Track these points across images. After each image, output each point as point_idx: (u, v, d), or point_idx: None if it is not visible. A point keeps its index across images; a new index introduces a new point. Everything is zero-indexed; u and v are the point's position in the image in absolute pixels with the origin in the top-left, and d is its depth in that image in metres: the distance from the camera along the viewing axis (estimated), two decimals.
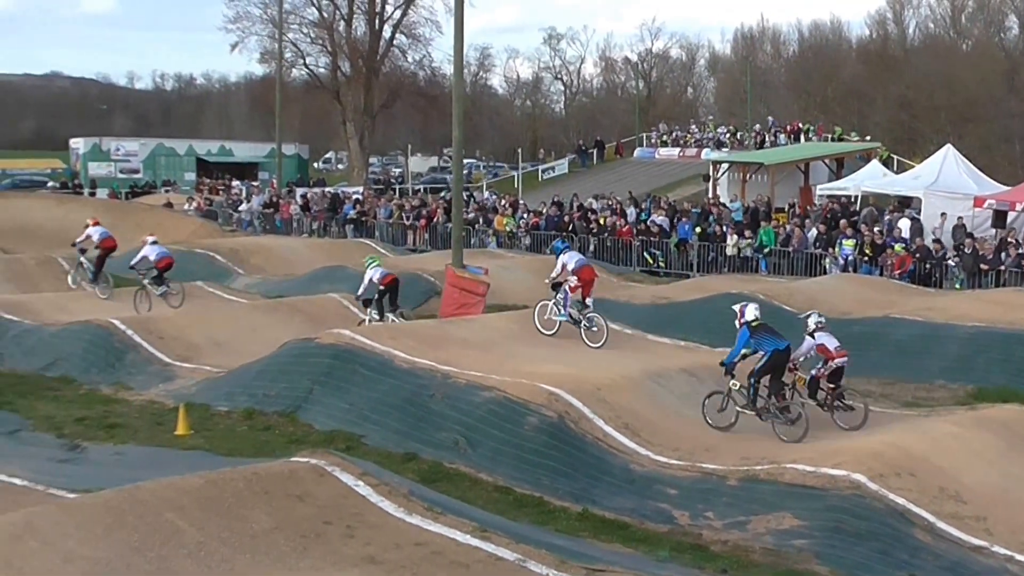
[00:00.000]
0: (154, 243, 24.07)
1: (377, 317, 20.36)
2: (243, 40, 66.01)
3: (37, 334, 20.52)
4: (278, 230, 44.02)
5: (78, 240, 25.77)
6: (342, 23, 66.46)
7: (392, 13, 66.16)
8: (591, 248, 33.57)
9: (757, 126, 64.76)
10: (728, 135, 65.52)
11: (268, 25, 64.67)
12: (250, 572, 8.85)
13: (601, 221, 35.37)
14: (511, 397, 14.57)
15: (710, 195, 44.22)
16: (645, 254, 33.11)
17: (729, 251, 32.07)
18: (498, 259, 31.37)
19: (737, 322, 14.76)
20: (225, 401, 16.76)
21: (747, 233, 32.35)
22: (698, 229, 32.88)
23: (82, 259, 25.45)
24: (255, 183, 60.79)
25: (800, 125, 63.37)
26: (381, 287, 20.54)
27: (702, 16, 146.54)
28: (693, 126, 72.61)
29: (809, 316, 15.37)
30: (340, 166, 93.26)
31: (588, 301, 18.62)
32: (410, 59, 67.92)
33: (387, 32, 66.58)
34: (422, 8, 66.61)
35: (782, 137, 61.16)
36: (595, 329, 18.35)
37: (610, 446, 13.70)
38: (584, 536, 11.66)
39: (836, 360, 14.85)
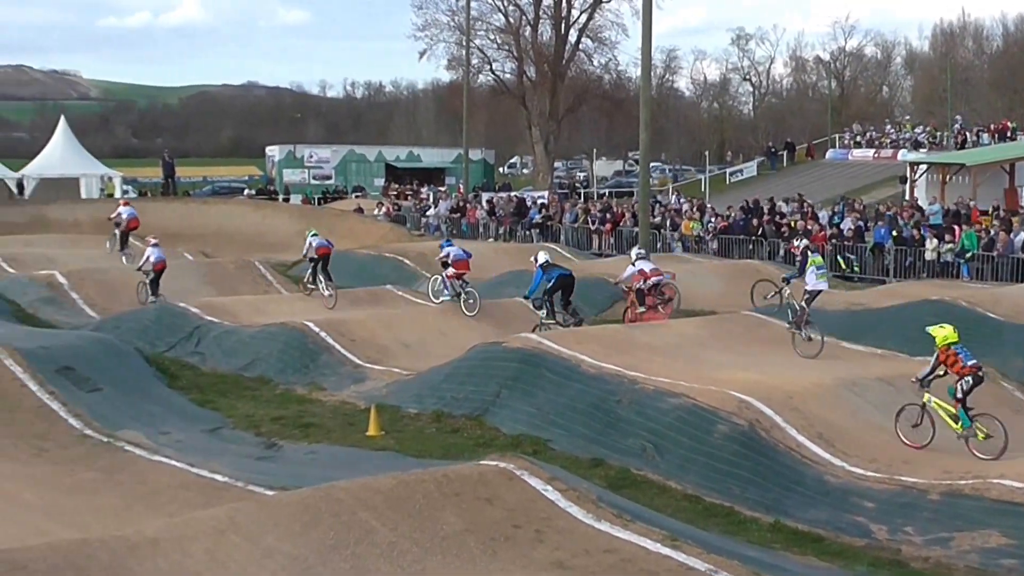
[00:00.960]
0: (155, 246, 25.58)
1: (311, 284, 25.10)
2: (431, 47, 67.15)
3: (236, 335, 21.23)
4: (464, 234, 44.57)
5: (112, 215, 33.61)
6: (528, 28, 66.97)
7: (578, 17, 66.39)
8: (780, 253, 32.89)
9: (957, 125, 62.52)
10: (926, 135, 63.45)
11: (455, 32, 65.65)
12: (441, 573, 8.95)
13: (792, 224, 34.66)
14: (700, 404, 14.39)
15: (907, 197, 42.92)
16: (838, 259, 32.25)
17: (928, 256, 31.00)
18: (685, 264, 31.07)
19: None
20: (414, 403, 17.02)
21: (947, 237, 31.24)
22: (894, 233, 31.91)
23: (116, 232, 32.62)
24: (442, 188, 61.71)
25: (1009, 124, 60.77)
26: (316, 255, 25.11)
27: (898, 12, 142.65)
28: (889, 126, 70.53)
29: (632, 249, 22.56)
30: (525, 171, 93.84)
31: (465, 280, 23.69)
32: (596, 63, 68.05)
33: (573, 36, 66.84)
34: (608, 12, 66.57)
35: (985, 136, 58.87)
36: (471, 301, 23.11)
37: (803, 456, 13.39)
38: (776, 548, 11.42)
39: (652, 279, 21.47)
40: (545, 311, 21.23)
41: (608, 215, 39.85)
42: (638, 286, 21.90)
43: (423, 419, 16.37)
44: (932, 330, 14.02)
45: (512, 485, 10.28)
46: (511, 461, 10.75)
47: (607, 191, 65.95)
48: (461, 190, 55.57)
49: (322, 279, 25.09)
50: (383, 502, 9.69)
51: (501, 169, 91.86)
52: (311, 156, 74.16)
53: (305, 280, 25.73)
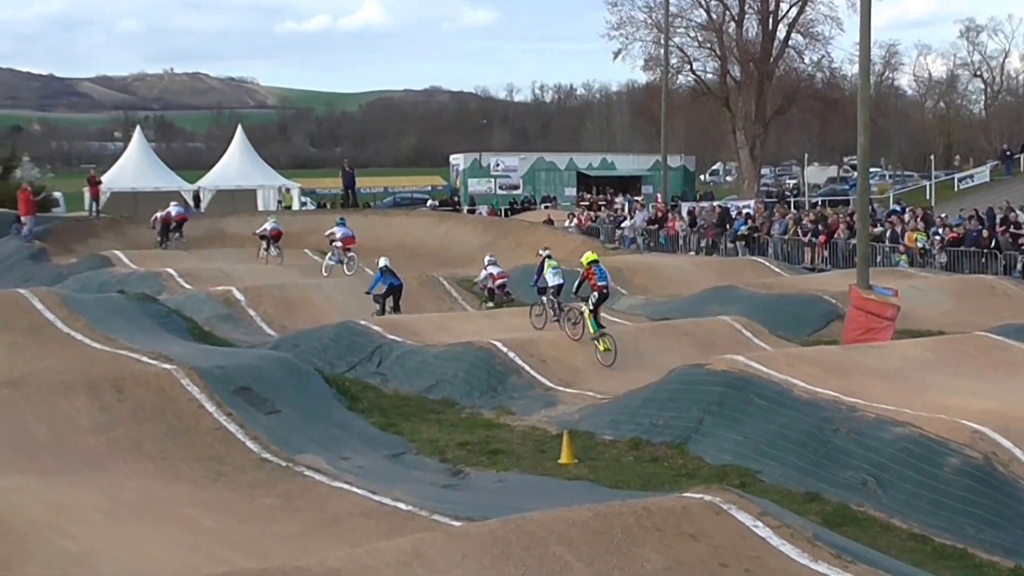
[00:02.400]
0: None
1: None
2: (626, 47, 67.06)
3: (420, 355, 21.55)
4: (663, 247, 44.37)
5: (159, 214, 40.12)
6: (732, 24, 66.28)
7: (787, 11, 65.38)
8: (1018, 267, 31.70)
9: None
10: None
11: (653, 30, 65.41)
12: None
13: None
14: (928, 434, 13.95)
15: None
16: None
17: None
18: (909, 279, 30.28)
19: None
20: (610, 429, 16.97)
21: None
22: None
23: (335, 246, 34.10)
24: (638, 198, 61.59)
25: None
26: (270, 236, 35.47)
27: None
28: None
29: (486, 257, 30.71)
30: (729, 178, 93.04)
31: (349, 251, 32.58)
32: (807, 60, 66.87)
33: (781, 32, 65.84)
34: (820, 4, 65.33)
35: None
36: (352, 264, 32.33)
37: None
38: None
39: (499, 280, 29.62)
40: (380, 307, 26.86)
41: (821, 226, 39.13)
42: (489, 285, 29.68)
43: (619, 447, 16.31)
44: (585, 257, 22.80)
45: (719, 520, 10.13)
46: (717, 494, 10.60)
47: (820, 200, 64.83)
48: (659, 200, 55.32)
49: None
50: (578, 536, 9.66)
51: (702, 177, 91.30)
52: (497, 164, 74.98)
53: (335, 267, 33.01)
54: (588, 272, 22.02)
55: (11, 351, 18.35)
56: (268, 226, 36.49)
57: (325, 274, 32.52)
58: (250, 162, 65.55)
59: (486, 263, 30.42)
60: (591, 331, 21.62)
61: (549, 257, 25.59)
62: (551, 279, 24.41)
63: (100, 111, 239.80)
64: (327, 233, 34.03)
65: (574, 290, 22.40)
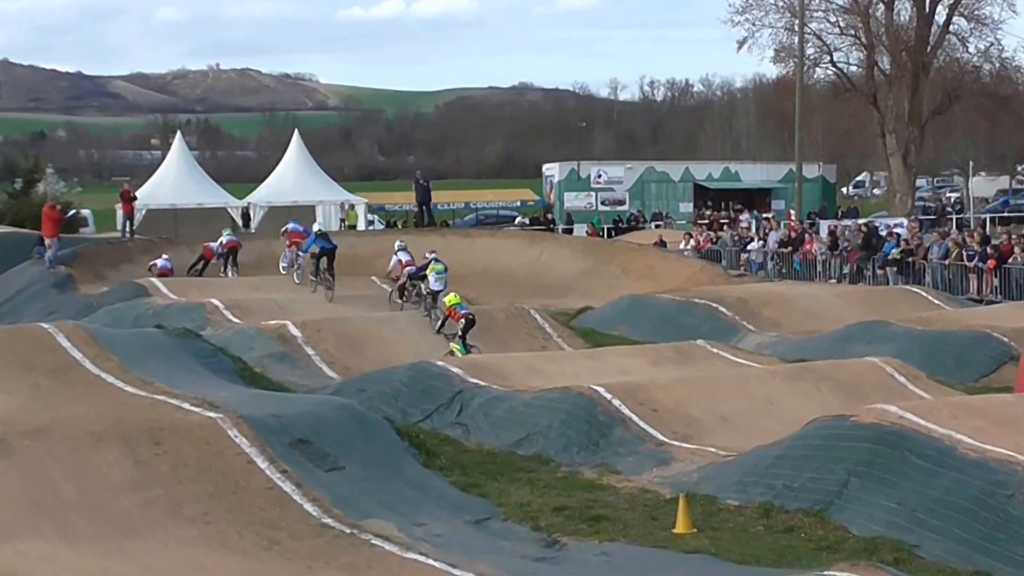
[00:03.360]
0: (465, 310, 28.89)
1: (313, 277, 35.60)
2: (753, 35, 66.99)
3: (508, 402, 21.55)
4: (797, 274, 44.08)
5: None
6: (881, 7, 65.96)
7: None
8: None
9: None
10: None
11: (785, 15, 65.41)
12: None
13: None
14: None
15: None
16: None
17: None
18: None
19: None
20: (735, 493, 16.84)
21: None
22: None
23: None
24: (767, 215, 61.38)
25: None
26: (225, 250, 39.91)
27: None
28: None
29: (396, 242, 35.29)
30: (876, 191, 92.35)
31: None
32: (972, 49, 66.37)
33: (941, 15, 65.44)
34: None
35: None
36: (301, 264, 37.03)
37: None
38: None
39: (406, 269, 33.08)
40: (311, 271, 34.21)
41: (990, 248, 38.64)
42: (403, 276, 33.10)
43: (747, 513, 16.18)
44: (447, 299, 28.81)
45: None
46: (866, 571, 10.51)
47: (988, 217, 64.05)
48: (792, 217, 55.04)
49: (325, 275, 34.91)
50: None
51: (844, 190, 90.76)
52: (599, 175, 75.14)
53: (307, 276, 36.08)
54: (451, 311, 28.19)
55: (33, 396, 18.66)
56: (224, 239, 40.29)
57: (283, 272, 38.95)
58: (308, 173, 66.22)
59: (396, 249, 34.57)
60: (460, 355, 26.63)
61: (437, 260, 31.81)
62: (433, 283, 30.99)
63: (135, 114, 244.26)
64: (284, 231, 39.95)
65: (436, 329, 28.99)
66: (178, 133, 78.43)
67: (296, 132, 70.57)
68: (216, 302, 32.59)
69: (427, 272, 31.29)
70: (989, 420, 16.88)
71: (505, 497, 17.22)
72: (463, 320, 27.87)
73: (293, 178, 65.40)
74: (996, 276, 37.57)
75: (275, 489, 15.76)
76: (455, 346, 27.73)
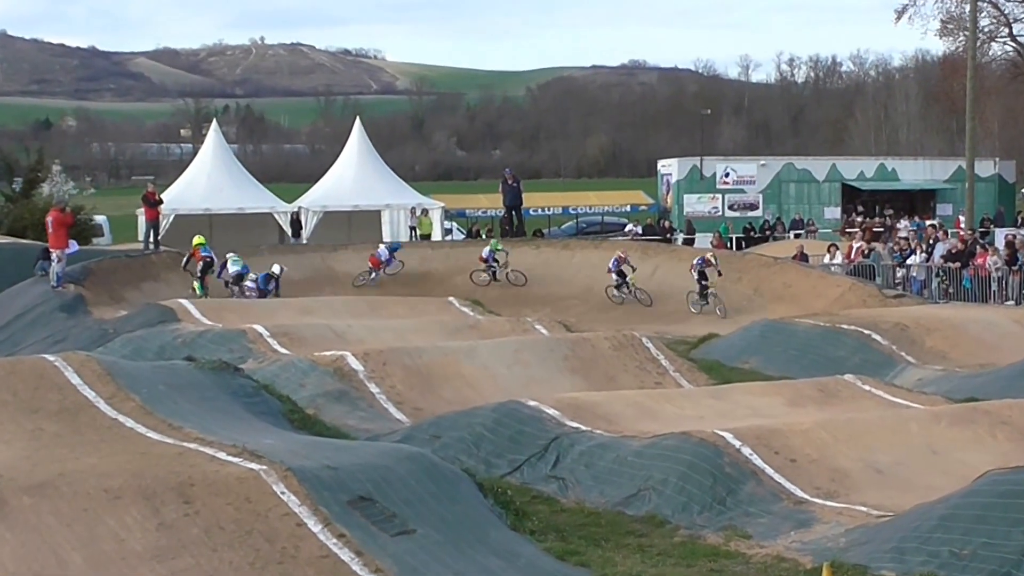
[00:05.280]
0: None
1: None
2: (915, 3, 66.61)
3: (614, 451, 21.51)
4: (968, 294, 43.73)
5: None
6: None
7: None
8: None
9: None
10: None
11: None
12: None
13: None
14: None
15: None
16: None
17: None
18: None
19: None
20: (891, 562, 16.73)
21: None
22: None
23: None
24: (931, 221, 60.92)
25: None
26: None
27: None
28: None
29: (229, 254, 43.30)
30: None
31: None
32: None
33: None
34: None
35: None
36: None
37: None
38: None
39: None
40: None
41: None
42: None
43: None
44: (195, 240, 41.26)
45: None
46: None
47: None
48: (961, 224, 54.62)
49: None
50: None
51: None
52: (727, 174, 75.08)
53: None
54: (195, 252, 41.95)
55: (36, 443, 18.78)
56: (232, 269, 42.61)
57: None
58: (372, 171, 66.61)
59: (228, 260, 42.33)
60: (197, 293, 39.54)
61: (234, 252, 42.69)
62: (231, 267, 41.97)
63: (161, 99, 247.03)
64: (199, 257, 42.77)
65: (183, 264, 42.73)
66: (213, 123, 78.74)
67: (357, 121, 70.88)
68: (260, 329, 32.81)
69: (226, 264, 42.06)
70: None
71: (611, 567, 17.19)
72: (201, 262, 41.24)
73: (353, 177, 65.78)
74: None
75: (330, 558, 15.76)
76: (195, 286, 39.93)
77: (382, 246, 46.48)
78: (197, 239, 42.93)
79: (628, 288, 42.63)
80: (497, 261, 44.37)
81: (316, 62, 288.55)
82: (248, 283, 41.42)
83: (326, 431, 23.79)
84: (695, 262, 41.35)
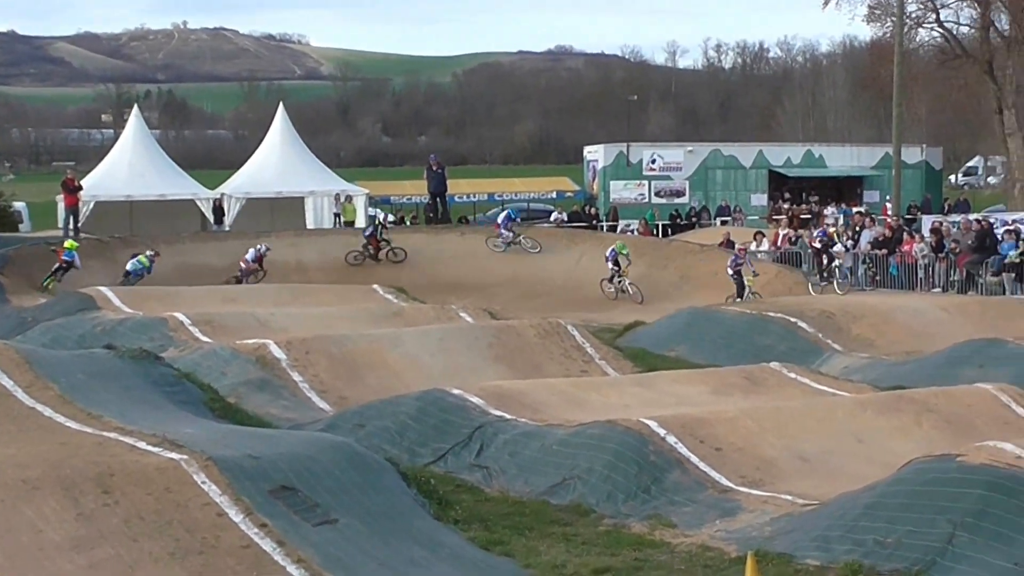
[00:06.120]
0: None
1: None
2: None
3: (539, 440, 21.49)
4: (894, 282, 43.99)
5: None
6: None
7: None
8: None
9: None
10: None
11: None
12: None
13: None
14: None
15: None
16: None
17: None
18: None
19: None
20: (816, 550, 16.79)
21: None
22: None
23: None
24: (858, 208, 61.25)
25: None
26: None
27: None
28: None
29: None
30: (992, 179, 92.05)
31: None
32: None
33: None
34: None
35: None
36: None
37: None
38: None
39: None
40: None
41: None
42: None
43: (832, 575, 16.17)
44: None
45: None
46: None
47: None
48: (889, 211, 54.94)
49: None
50: None
51: (953, 178, 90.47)
52: (654, 160, 75.22)
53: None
54: (59, 251, 41.90)
55: None
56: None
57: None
58: (296, 157, 66.37)
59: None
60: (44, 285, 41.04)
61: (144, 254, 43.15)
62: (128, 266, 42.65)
63: (82, 84, 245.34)
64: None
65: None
66: (135, 107, 78.40)
67: (281, 106, 70.61)
68: (181, 317, 32.61)
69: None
70: None
71: (535, 557, 17.19)
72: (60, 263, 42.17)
73: (277, 163, 65.51)
74: None
75: (252, 548, 15.68)
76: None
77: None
78: (68, 243, 43.42)
79: (621, 281, 42.48)
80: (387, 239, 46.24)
81: (239, 47, 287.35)
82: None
83: (248, 420, 23.69)
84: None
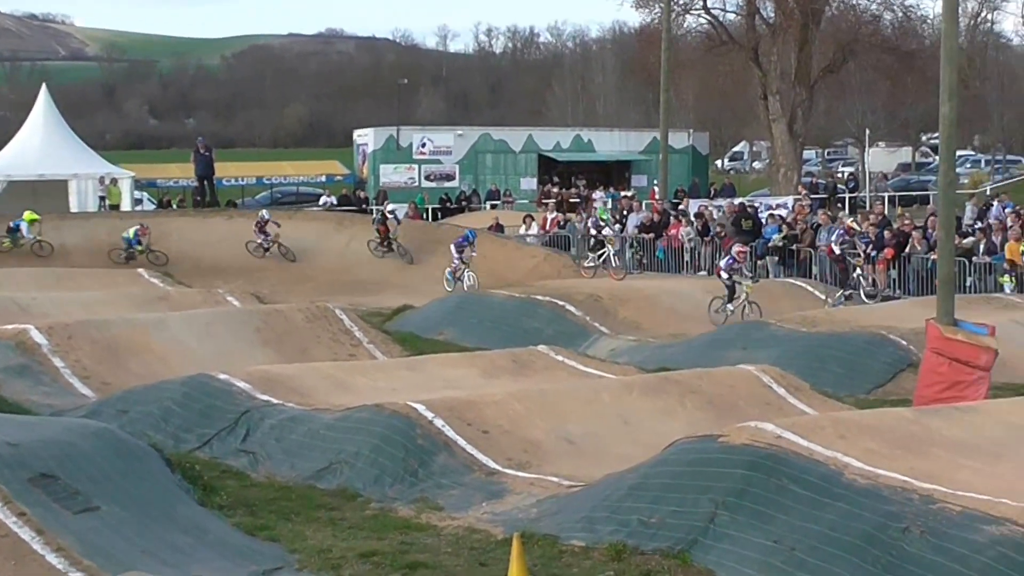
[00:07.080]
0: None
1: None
2: None
3: (305, 424, 21.48)
4: (661, 265, 44.50)
5: None
6: None
7: None
8: None
9: None
10: None
11: None
12: None
13: None
14: None
15: None
16: None
17: None
18: (1012, 311, 30.51)
19: None
20: (581, 531, 16.97)
21: None
22: None
23: None
24: (626, 193, 61.85)
25: None
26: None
27: None
28: None
29: None
30: (757, 164, 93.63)
31: None
32: None
33: None
34: None
35: None
36: None
37: None
38: None
39: None
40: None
41: (888, 234, 39.32)
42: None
43: (595, 556, 16.31)
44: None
45: None
46: None
47: (887, 196, 65.26)
48: (656, 195, 55.57)
49: None
50: None
51: (719, 163, 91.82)
52: (423, 144, 75.19)
53: None
54: None
55: None
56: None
57: None
58: (59, 139, 65.11)
59: None
60: None
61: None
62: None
63: None
64: None
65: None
66: None
67: (44, 87, 69.31)
68: None
69: None
70: (882, 440, 17.22)
71: (300, 541, 17.16)
72: None
73: (39, 145, 64.17)
74: (894, 267, 38.25)
75: (10, 537, 15.45)
76: None
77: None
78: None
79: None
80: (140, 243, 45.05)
81: (2, 26, 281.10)
82: None
83: (7, 407, 23.36)
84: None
